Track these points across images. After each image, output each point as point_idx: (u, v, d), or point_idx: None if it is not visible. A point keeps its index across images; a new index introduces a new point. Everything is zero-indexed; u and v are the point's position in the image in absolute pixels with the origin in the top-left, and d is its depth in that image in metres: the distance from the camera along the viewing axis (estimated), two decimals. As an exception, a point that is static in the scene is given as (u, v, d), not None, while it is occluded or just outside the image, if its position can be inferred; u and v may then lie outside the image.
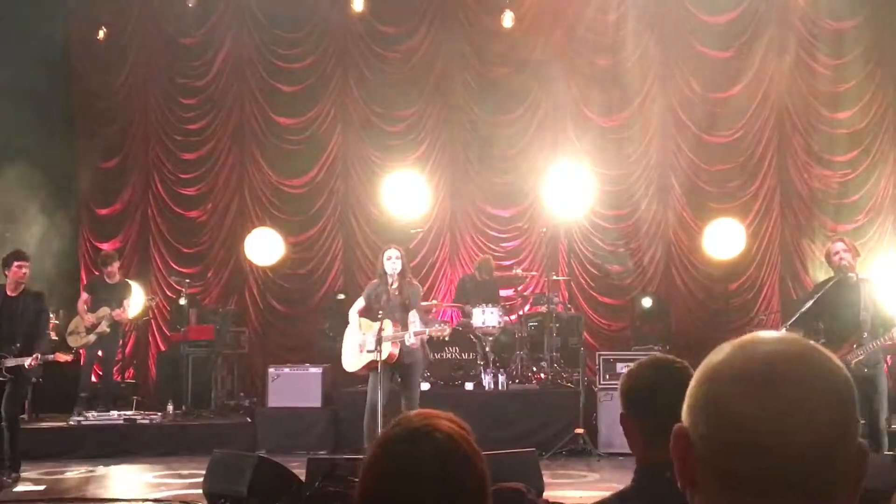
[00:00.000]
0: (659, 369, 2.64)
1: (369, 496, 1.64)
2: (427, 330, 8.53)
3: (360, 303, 8.79)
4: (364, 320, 8.62)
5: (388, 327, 8.27)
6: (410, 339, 8.43)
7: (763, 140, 12.69)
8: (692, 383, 1.20)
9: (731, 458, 1.13)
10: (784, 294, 12.46)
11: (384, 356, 8.20)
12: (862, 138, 12.43)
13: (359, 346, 8.58)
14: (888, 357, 10.71)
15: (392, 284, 8.53)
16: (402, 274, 8.59)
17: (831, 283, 7.82)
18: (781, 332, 1.21)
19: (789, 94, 12.59)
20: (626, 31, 12.83)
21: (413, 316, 8.61)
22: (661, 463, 2.50)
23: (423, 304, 11.04)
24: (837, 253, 7.95)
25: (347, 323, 8.90)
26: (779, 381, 1.12)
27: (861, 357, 7.67)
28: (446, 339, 9.06)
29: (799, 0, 12.33)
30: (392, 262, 8.50)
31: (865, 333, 7.73)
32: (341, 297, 12.45)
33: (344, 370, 9.12)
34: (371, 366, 8.44)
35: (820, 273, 10.90)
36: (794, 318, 7.79)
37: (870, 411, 7.72)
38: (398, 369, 8.54)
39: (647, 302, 12.35)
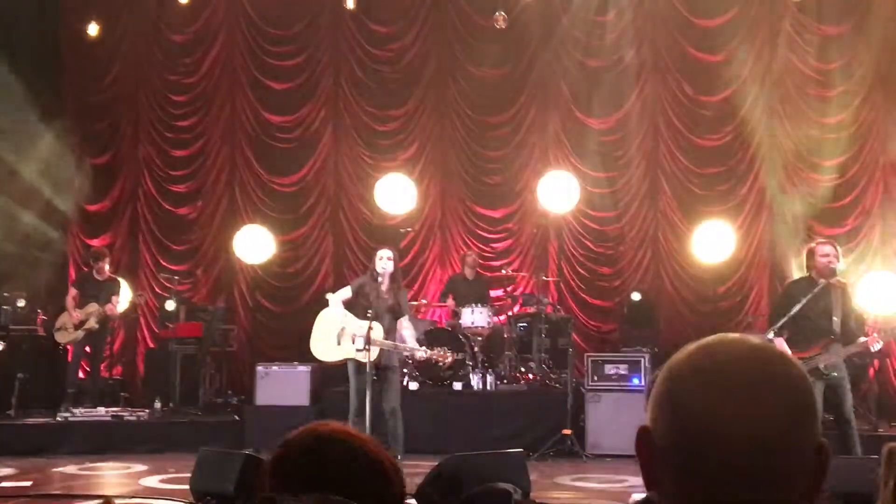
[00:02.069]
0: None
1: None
2: (430, 354, 8.51)
3: (345, 292, 8.68)
4: (349, 314, 8.54)
5: (377, 330, 8.23)
6: (419, 354, 8.47)
7: (753, 143, 12.73)
8: (656, 382, 1.25)
9: (688, 448, 1.17)
10: (773, 297, 12.49)
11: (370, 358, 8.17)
12: (851, 143, 12.48)
13: (336, 335, 8.51)
14: (875, 361, 10.82)
15: (381, 285, 8.52)
16: (392, 276, 8.57)
17: (819, 287, 7.81)
18: (739, 335, 1.25)
19: (779, 97, 12.63)
20: (618, 33, 12.86)
21: (405, 323, 8.60)
22: None
23: (412, 303, 11.07)
24: (826, 256, 7.91)
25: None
26: (734, 374, 1.18)
27: (832, 360, 7.70)
28: (447, 364, 9.02)
29: (790, 4, 12.37)
30: (383, 263, 8.48)
31: (833, 336, 7.77)
32: (329, 296, 12.41)
33: (330, 366, 9.09)
34: (346, 362, 8.41)
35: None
36: (780, 323, 7.78)
37: (842, 419, 7.78)
38: (377, 370, 8.49)
39: (636, 296, 12.38)
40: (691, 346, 1.24)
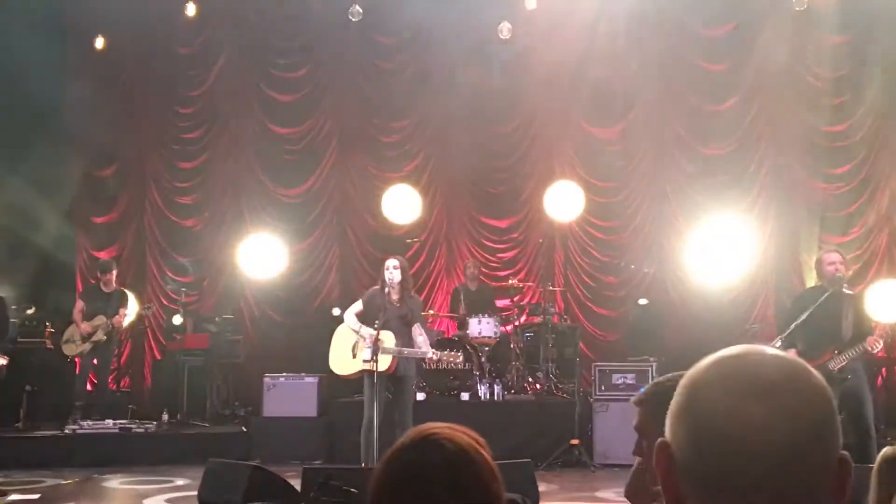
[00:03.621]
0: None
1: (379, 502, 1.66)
2: (441, 355, 8.52)
3: (357, 306, 8.72)
4: (363, 326, 8.56)
5: (389, 339, 8.25)
6: (430, 355, 8.50)
7: (759, 152, 12.73)
8: (675, 395, 1.23)
9: (710, 461, 1.15)
10: (778, 306, 12.46)
11: (382, 367, 8.18)
12: (856, 151, 12.47)
13: (351, 349, 8.54)
14: (883, 369, 10.81)
15: (391, 295, 8.52)
16: (402, 285, 8.56)
17: (827, 295, 7.82)
18: (761, 346, 1.24)
19: (784, 106, 12.64)
20: (623, 42, 12.87)
21: (418, 330, 8.61)
22: None
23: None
24: (833, 263, 7.97)
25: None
26: (758, 386, 1.16)
27: (844, 363, 7.71)
28: (457, 366, 9.05)
29: (795, 13, 12.38)
30: (390, 272, 8.49)
31: (842, 343, 7.78)
32: (336, 311, 12.44)
33: (338, 378, 9.10)
34: (362, 373, 8.43)
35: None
36: (789, 330, 7.79)
37: (862, 430, 7.76)
38: (392, 380, 8.52)
39: (643, 301, 12.38)
40: (711, 358, 1.22)
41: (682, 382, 1.22)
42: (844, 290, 7.95)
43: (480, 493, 1.65)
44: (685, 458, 1.18)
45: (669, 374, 2.86)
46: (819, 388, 1.18)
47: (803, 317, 7.72)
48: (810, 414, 1.15)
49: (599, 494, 8.64)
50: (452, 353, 8.60)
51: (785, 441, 1.13)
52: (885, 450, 3.42)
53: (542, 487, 7.35)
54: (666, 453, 1.20)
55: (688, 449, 1.18)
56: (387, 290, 8.48)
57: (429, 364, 9.16)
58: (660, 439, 1.22)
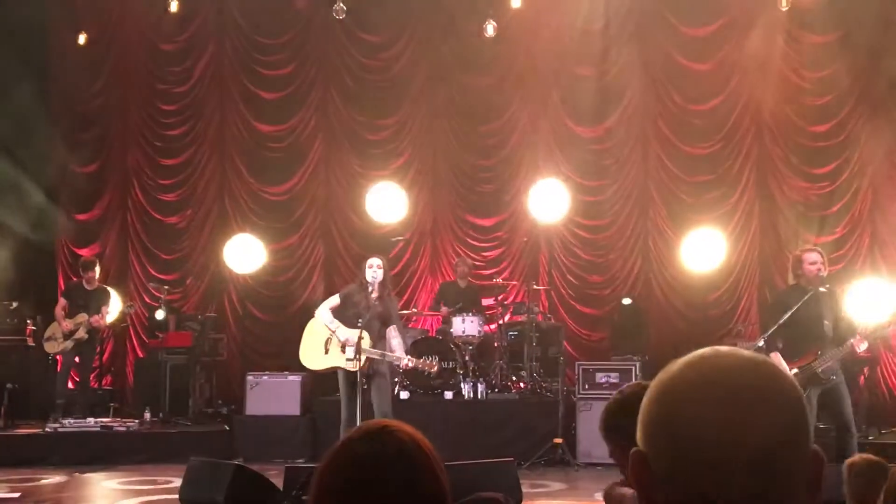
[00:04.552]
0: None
1: (327, 499, 1.58)
2: (416, 362, 8.49)
3: (332, 300, 8.67)
4: (337, 322, 8.49)
5: (365, 338, 8.21)
6: (405, 362, 8.46)
7: (743, 151, 12.76)
8: (645, 402, 1.20)
9: (690, 471, 1.13)
10: (762, 305, 12.50)
11: (355, 367, 8.13)
12: (841, 151, 12.52)
13: (323, 344, 8.49)
14: (865, 368, 10.85)
15: (371, 293, 8.50)
16: (382, 284, 8.54)
17: (808, 295, 7.83)
18: (731, 348, 1.22)
19: (769, 106, 12.67)
20: (608, 41, 12.88)
21: (393, 332, 8.56)
22: None
23: (403, 311, 11.07)
24: (815, 263, 7.94)
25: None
26: (729, 388, 1.14)
27: (828, 365, 7.73)
28: (432, 374, 9.02)
29: (780, 13, 12.41)
30: (373, 271, 8.46)
31: (825, 343, 7.79)
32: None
33: (321, 376, 9.08)
34: (333, 369, 8.39)
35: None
36: (771, 331, 7.80)
37: (842, 426, 7.80)
38: (365, 376, 8.46)
39: (627, 300, 12.39)
40: (681, 362, 1.20)
41: (656, 390, 1.19)
42: (822, 289, 7.94)
43: (433, 486, 1.60)
44: (664, 468, 1.15)
45: (615, 398, 2.88)
46: (789, 390, 1.17)
47: (786, 317, 7.72)
48: (782, 419, 1.14)
49: (582, 493, 8.64)
50: (428, 361, 8.55)
51: (765, 446, 1.12)
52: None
53: (525, 486, 7.35)
54: (642, 463, 1.18)
55: (666, 459, 1.15)
56: (371, 289, 8.45)
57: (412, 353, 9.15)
58: (634, 449, 1.19)
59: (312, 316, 8.79)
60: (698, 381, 1.16)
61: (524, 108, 13.27)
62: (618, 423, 2.73)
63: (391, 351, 8.46)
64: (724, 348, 1.21)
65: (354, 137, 13.52)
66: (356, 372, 8.05)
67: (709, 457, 1.12)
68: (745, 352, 1.21)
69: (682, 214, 12.75)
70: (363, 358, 8.07)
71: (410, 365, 8.53)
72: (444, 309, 11.89)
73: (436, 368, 8.68)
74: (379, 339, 8.39)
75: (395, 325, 8.60)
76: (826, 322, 7.83)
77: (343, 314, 8.44)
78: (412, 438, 1.61)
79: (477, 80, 13.27)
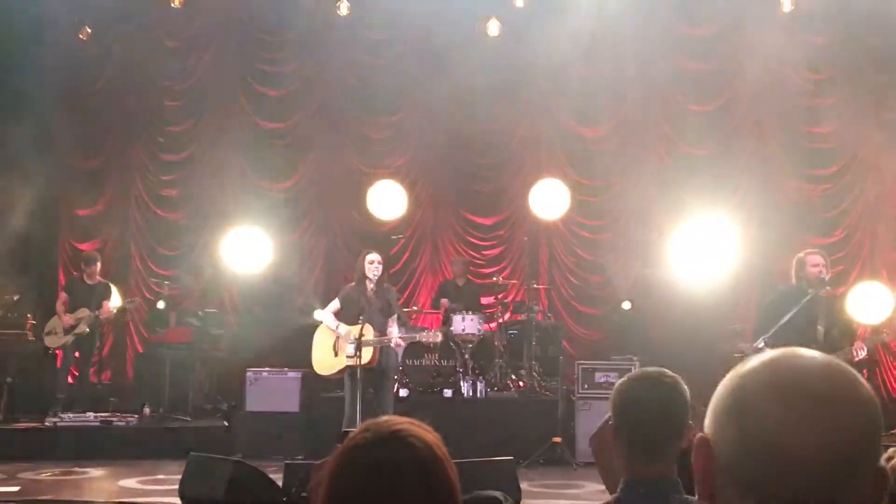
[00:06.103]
0: (645, 383, 2.62)
1: None
2: (417, 336, 8.57)
3: (333, 305, 8.76)
4: (341, 323, 8.59)
5: (368, 332, 8.28)
6: (396, 339, 8.54)
7: (744, 152, 12.77)
8: (719, 391, 1.21)
9: (754, 465, 1.14)
10: (761, 306, 12.49)
11: (364, 360, 8.19)
12: (842, 153, 12.52)
13: (332, 348, 8.55)
14: (864, 371, 10.85)
15: (371, 289, 8.54)
16: (380, 279, 8.64)
17: (809, 297, 7.81)
18: (811, 351, 1.22)
19: (771, 107, 12.67)
20: (610, 41, 12.89)
21: (392, 322, 8.63)
22: (646, 478, 2.51)
23: (404, 310, 11.08)
24: (817, 266, 7.89)
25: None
26: (810, 392, 1.14)
27: None
28: (437, 345, 9.10)
29: (782, 14, 12.41)
30: (374, 267, 8.53)
31: (817, 346, 7.76)
32: (317, 315, 12.37)
33: (319, 375, 9.11)
34: (346, 370, 8.43)
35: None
36: (773, 330, 7.77)
37: None
38: (373, 374, 8.52)
39: (626, 305, 12.40)
40: (762, 360, 1.20)
41: (732, 381, 1.20)
42: (821, 293, 7.92)
43: (447, 493, 1.56)
44: (728, 458, 1.16)
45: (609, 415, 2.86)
46: (869, 400, 1.16)
47: (787, 317, 7.69)
48: (859, 426, 1.13)
49: (581, 492, 8.65)
50: (430, 333, 8.69)
51: (833, 456, 1.11)
52: None
53: (524, 485, 7.35)
54: (707, 449, 1.19)
55: (733, 450, 1.16)
56: (370, 285, 8.49)
57: (413, 353, 9.20)
58: (700, 434, 1.21)
59: (312, 313, 8.86)
60: (776, 382, 1.17)
61: (526, 108, 13.28)
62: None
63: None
64: (804, 352, 1.21)
65: (356, 135, 13.52)
66: (361, 368, 8.13)
67: (778, 458, 1.12)
68: (823, 355, 1.20)
69: (682, 214, 12.74)
70: (369, 350, 8.14)
71: (415, 339, 8.59)
72: (444, 301, 11.93)
73: (439, 339, 8.76)
74: (383, 331, 8.47)
75: (396, 315, 8.69)
76: (819, 327, 7.80)
77: (345, 315, 8.52)
78: (426, 444, 1.56)
79: (479, 79, 13.26)
